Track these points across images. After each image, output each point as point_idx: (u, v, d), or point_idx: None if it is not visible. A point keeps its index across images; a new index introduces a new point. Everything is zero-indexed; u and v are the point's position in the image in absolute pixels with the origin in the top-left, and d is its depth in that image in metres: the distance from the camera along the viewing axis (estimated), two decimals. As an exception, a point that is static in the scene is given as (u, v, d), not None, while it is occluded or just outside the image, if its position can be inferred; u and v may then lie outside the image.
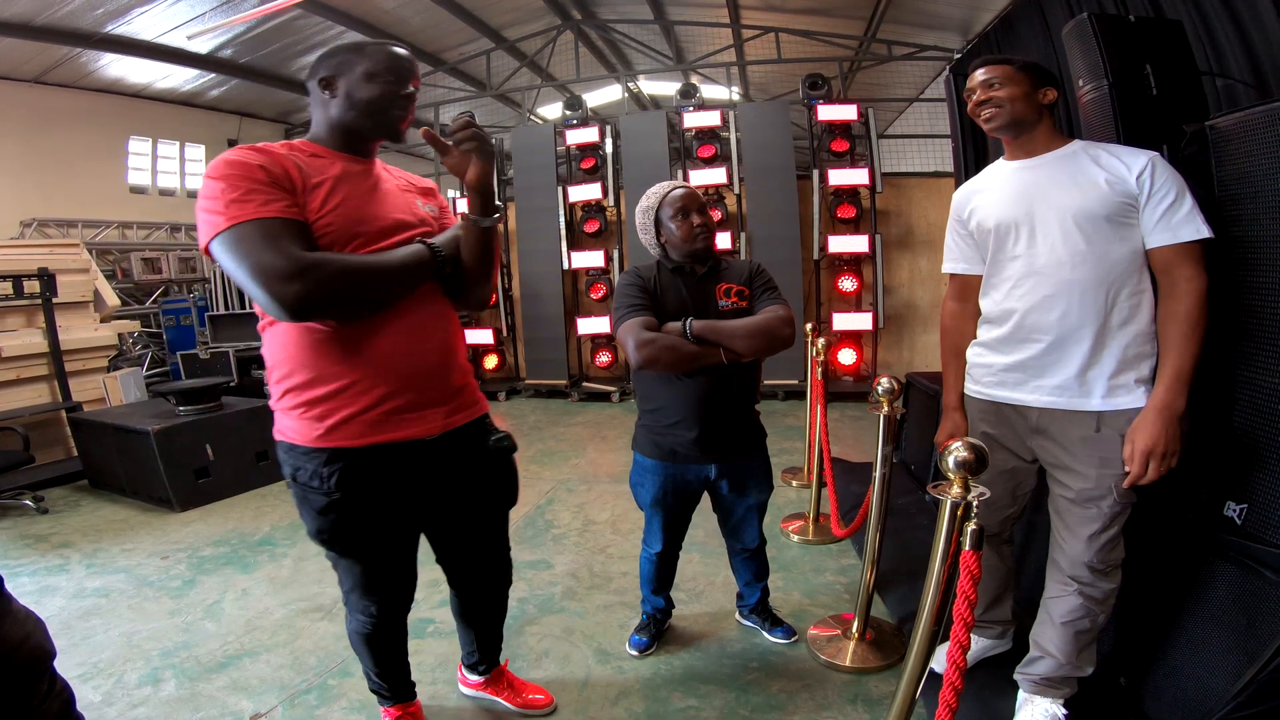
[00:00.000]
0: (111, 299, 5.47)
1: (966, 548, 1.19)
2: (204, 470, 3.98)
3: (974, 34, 6.07)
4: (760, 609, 2.29)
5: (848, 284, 5.96)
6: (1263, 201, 1.46)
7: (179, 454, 3.87)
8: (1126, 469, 1.47)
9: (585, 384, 6.76)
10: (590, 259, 6.53)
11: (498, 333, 7.02)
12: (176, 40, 6.08)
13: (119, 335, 5.50)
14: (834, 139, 5.93)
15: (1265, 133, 1.45)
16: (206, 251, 1.22)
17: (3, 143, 6.12)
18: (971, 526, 1.19)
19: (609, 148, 6.53)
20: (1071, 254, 1.51)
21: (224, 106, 7.89)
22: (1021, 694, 1.74)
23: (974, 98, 1.61)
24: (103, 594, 2.83)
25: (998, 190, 1.66)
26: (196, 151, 7.80)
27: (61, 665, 1.01)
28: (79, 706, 1.02)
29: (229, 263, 1.18)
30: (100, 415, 4.41)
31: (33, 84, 6.19)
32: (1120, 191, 1.47)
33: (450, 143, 1.37)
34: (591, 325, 6.56)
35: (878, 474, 2.09)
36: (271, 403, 1.40)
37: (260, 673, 2.20)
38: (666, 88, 8.77)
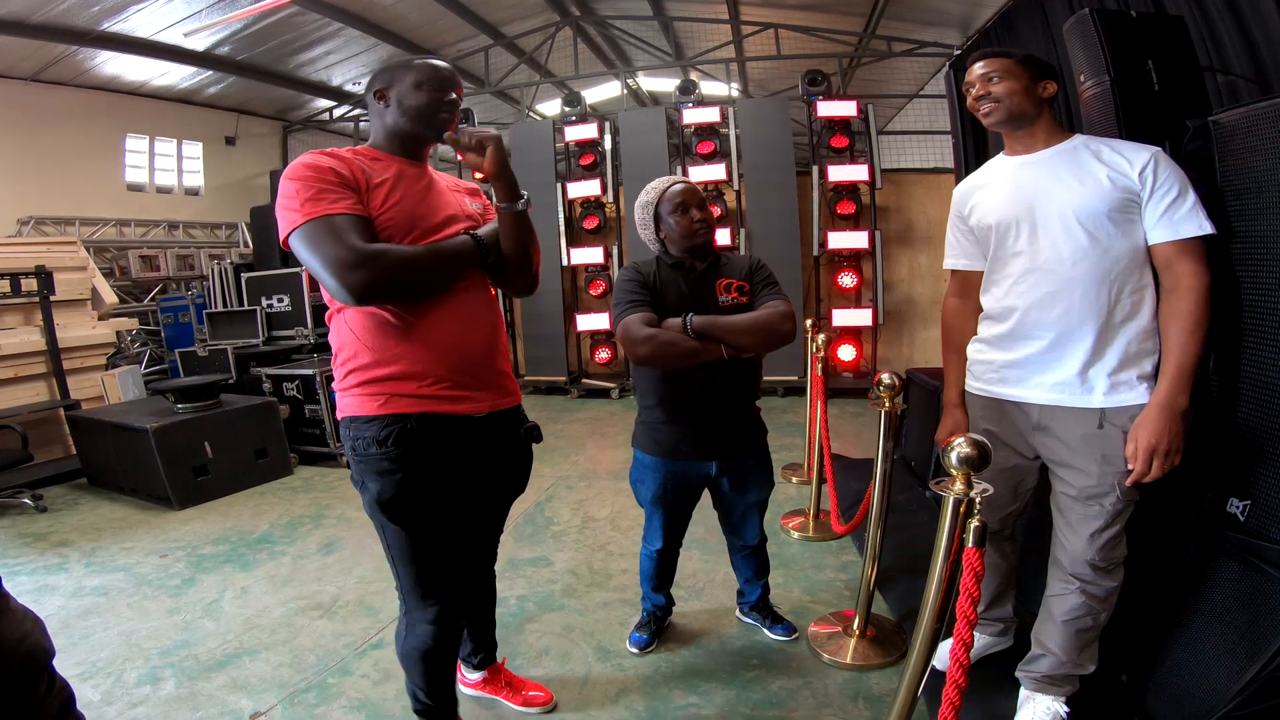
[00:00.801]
0: (109, 297, 5.45)
1: (969, 544, 1.19)
2: (203, 468, 3.98)
3: (974, 30, 6.05)
4: (761, 606, 2.28)
5: (847, 280, 5.95)
6: (1267, 197, 1.45)
7: (177, 452, 3.86)
8: (1129, 466, 1.46)
9: (585, 380, 6.76)
10: (589, 255, 6.53)
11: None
12: (173, 37, 6.03)
13: (117, 333, 5.48)
14: (833, 135, 5.92)
15: (1269, 128, 1.44)
16: (285, 244, 1.35)
17: (-1, 141, 6.11)
18: (974, 523, 1.19)
19: (608, 144, 6.51)
20: (1073, 250, 1.50)
21: (221, 104, 7.85)
22: (1023, 691, 1.74)
23: (973, 91, 1.60)
24: (101, 592, 2.82)
25: (999, 186, 1.65)
26: (194, 149, 7.76)
27: (60, 664, 1.00)
28: (79, 705, 1.02)
29: (304, 253, 1.32)
30: (98, 413, 4.40)
31: (29, 82, 6.15)
32: (1122, 187, 1.46)
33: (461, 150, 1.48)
34: (591, 322, 6.56)
35: (879, 470, 2.08)
36: (335, 384, 1.50)
37: (260, 671, 2.20)
38: (665, 84, 8.74)
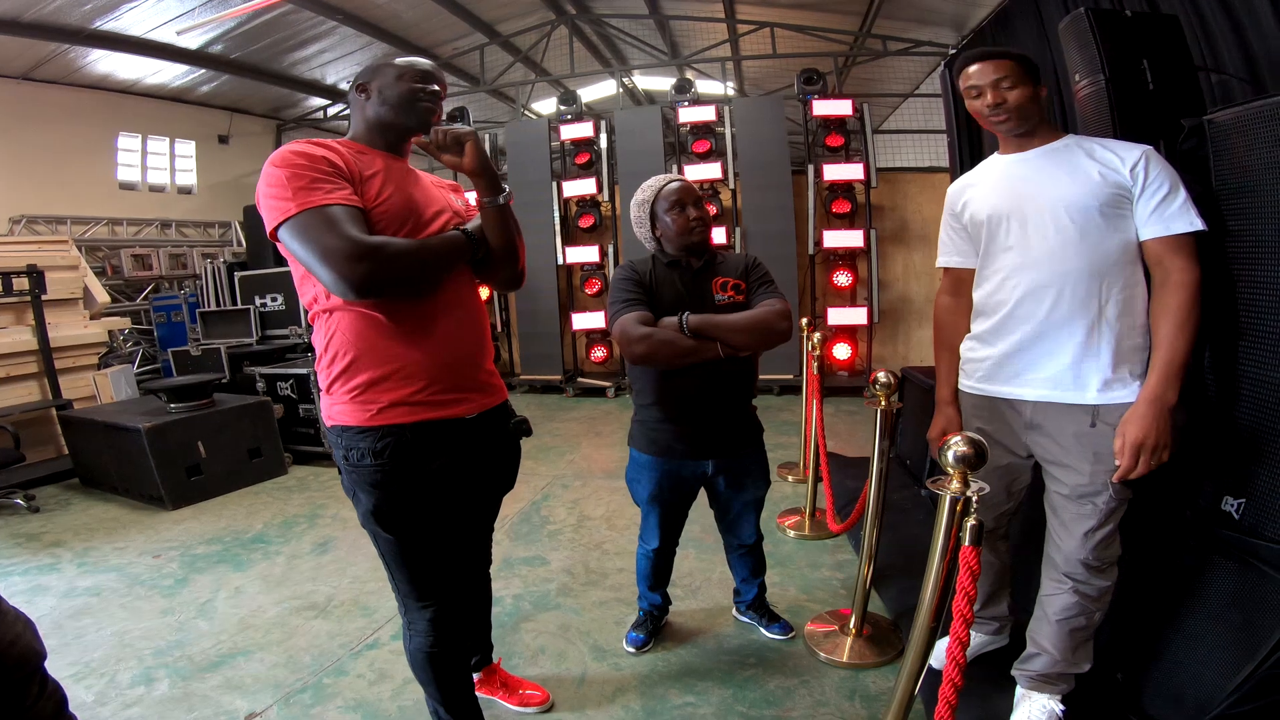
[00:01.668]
0: (101, 296, 5.42)
1: (966, 543, 1.19)
2: (196, 468, 3.95)
3: (969, 29, 6.07)
4: (757, 605, 2.28)
5: (842, 279, 5.96)
6: (1262, 196, 1.45)
7: (171, 451, 3.84)
8: (1117, 462, 1.47)
9: (580, 379, 6.75)
10: (585, 254, 6.52)
11: (492, 328, 6.97)
12: (166, 36, 6.00)
13: (109, 332, 5.45)
14: (829, 134, 5.94)
15: (1264, 127, 1.44)
16: (273, 236, 1.30)
17: (-9, 139, 6.06)
18: (971, 522, 1.19)
19: (603, 143, 6.51)
20: (1064, 245, 1.51)
21: (214, 102, 7.80)
22: (1019, 690, 1.74)
23: (985, 99, 1.56)
24: (94, 593, 2.81)
25: (991, 183, 1.66)
26: (186, 148, 7.71)
27: (53, 665, 1.00)
28: (71, 707, 1.01)
29: (296, 246, 1.27)
30: (91, 413, 4.38)
31: (21, 80, 6.11)
32: (1113, 183, 1.47)
33: (437, 152, 1.46)
34: (586, 320, 6.55)
35: (874, 468, 2.08)
36: (323, 388, 1.46)
37: (255, 671, 2.19)
38: (661, 83, 8.73)
